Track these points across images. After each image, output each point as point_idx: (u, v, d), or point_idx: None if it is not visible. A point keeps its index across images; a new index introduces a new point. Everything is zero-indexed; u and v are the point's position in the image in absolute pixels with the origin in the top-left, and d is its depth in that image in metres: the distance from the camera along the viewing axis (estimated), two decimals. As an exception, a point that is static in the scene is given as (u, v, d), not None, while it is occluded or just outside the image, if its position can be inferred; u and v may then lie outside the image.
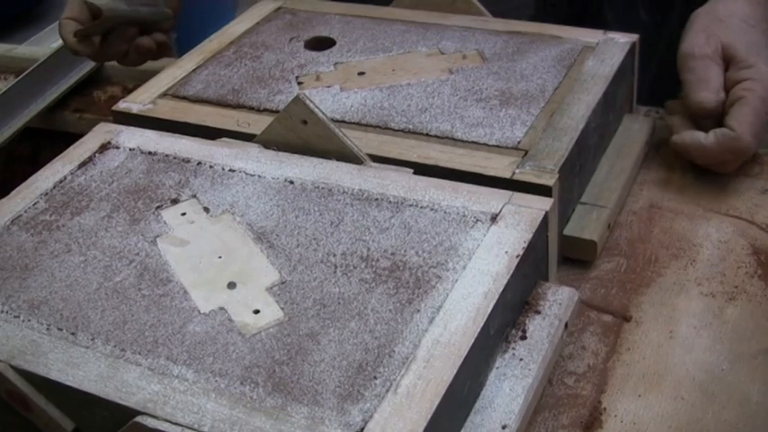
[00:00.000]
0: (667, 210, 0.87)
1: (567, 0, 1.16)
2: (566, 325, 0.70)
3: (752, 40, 0.91)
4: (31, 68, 1.14)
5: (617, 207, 0.86)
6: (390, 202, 0.74)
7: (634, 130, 0.94)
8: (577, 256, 0.82)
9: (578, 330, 0.75)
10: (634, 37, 0.95)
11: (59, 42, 1.10)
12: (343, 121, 0.85)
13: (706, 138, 0.87)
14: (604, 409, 0.68)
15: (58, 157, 0.84)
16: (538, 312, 0.70)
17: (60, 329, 0.65)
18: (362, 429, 0.56)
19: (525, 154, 0.78)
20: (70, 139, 0.90)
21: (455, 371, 0.58)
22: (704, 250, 0.82)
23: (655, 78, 1.10)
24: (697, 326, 0.75)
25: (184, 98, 0.93)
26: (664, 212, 0.87)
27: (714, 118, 0.88)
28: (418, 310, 0.63)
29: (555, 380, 0.71)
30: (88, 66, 1.20)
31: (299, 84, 0.93)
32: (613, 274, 0.81)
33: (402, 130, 0.83)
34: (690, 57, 0.90)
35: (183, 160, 0.82)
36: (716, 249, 0.82)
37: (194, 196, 0.77)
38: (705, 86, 0.88)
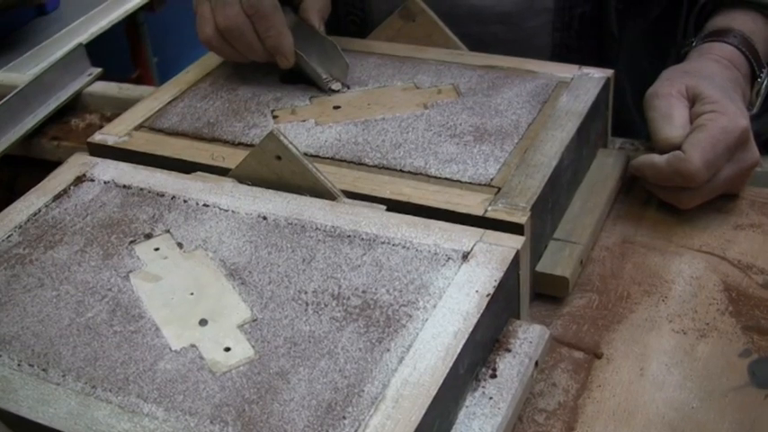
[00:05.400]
0: (640, 245, 0.88)
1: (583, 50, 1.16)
2: (536, 363, 0.71)
3: (717, 84, 0.92)
4: (9, 96, 1.14)
5: (590, 243, 0.86)
6: (363, 239, 0.74)
7: (608, 165, 0.94)
8: (550, 293, 0.82)
9: (549, 367, 0.75)
10: (608, 72, 0.96)
11: (38, 69, 1.09)
12: (318, 156, 0.86)
13: (659, 158, 0.88)
14: (574, 447, 0.69)
15: (32, 190, 0.84)
16: (508, 350, 0.70)
17: (31, 365, 0.65)
18: (330, 471, 0.56)
19: (498, 191, 0.79)
20: (47, 166, 0.90)
21: (424, 411, 0.58)
22: (676, 286, 0.83)
23: None
24: (668, 363, 0.75)
25: (160, 131, 0.93)
26: (636, 248, 0.88)
27: None
28: (388, 350, 0.64)
29: (525, 417, 0.71)
30: (66, 93, 1.20)
31: (275, 117, 0.93)
32: (585, 311, 0.81)
33: (376, 166, 0.84)
34: (653, 96, 0.92)
35: (158, 194, 0.82)
36: (688, 286, 0.83)
37: (168, 231, 0.77)
38: (669, 122, 0.88)
